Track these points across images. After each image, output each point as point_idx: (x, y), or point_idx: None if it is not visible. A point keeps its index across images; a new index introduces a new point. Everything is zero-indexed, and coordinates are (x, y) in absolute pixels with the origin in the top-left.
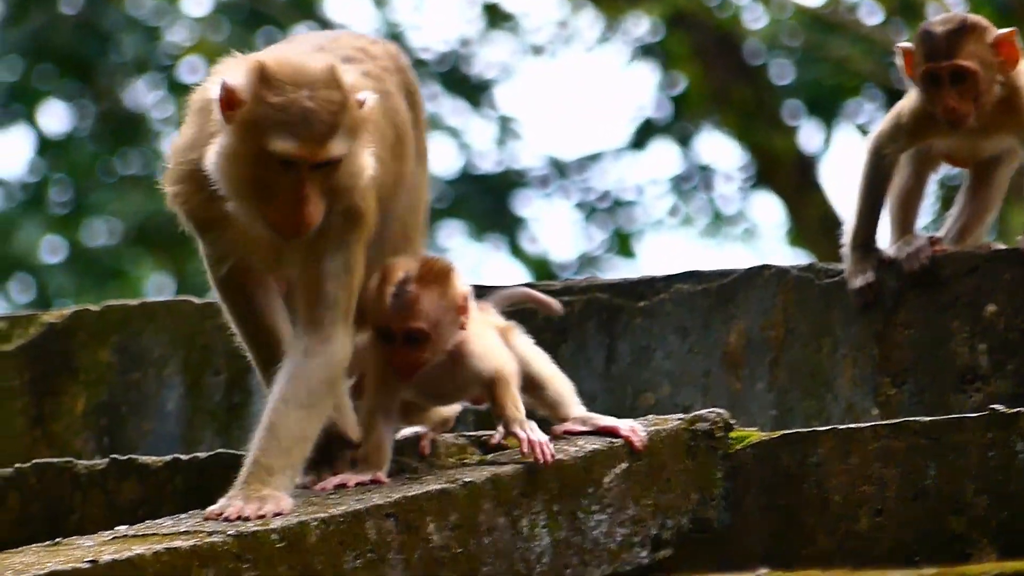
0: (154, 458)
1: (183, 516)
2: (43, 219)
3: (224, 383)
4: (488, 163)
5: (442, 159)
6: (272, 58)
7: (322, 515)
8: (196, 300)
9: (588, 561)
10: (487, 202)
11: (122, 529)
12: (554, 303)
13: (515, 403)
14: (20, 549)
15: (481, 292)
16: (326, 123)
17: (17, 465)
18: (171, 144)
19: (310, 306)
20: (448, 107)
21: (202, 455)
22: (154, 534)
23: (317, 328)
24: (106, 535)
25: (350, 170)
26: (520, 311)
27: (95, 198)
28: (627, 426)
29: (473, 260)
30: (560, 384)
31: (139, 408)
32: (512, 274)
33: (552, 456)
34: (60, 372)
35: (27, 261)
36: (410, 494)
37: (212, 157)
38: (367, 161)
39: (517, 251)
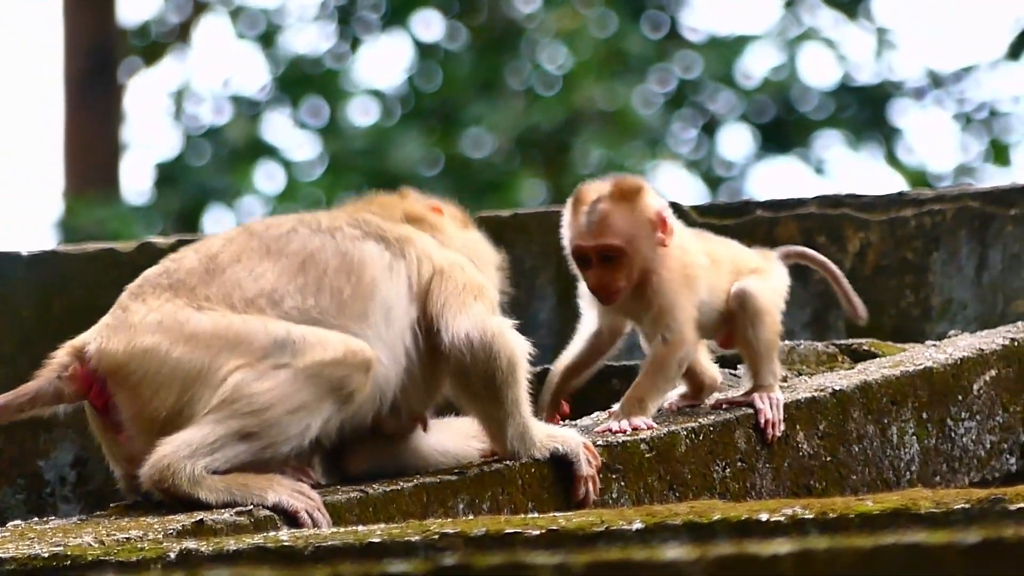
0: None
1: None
2: (419, 131)
3: None
4: (865, 74)
5: (820, 70)
6: None
7: (691, 425)
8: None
9: (956, 468)
10: (864, 113)
11: None
12: (859, 307)
13: (653, 377)
14: None
15: (853, 200)
16: None
17: None
18: None
19: None
20: (826, 19)
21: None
22: None
23: None
24: None
25: None
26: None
27: (472, 111)
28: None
29: (850, 170)
30: (762, 347)
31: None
32: (888, 183)
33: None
34: None
35: (404, 174)
36: None
37: None
38: None
39: (893, 161)
